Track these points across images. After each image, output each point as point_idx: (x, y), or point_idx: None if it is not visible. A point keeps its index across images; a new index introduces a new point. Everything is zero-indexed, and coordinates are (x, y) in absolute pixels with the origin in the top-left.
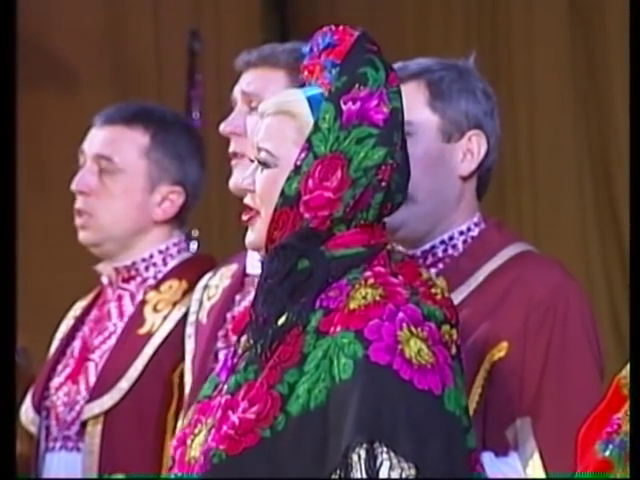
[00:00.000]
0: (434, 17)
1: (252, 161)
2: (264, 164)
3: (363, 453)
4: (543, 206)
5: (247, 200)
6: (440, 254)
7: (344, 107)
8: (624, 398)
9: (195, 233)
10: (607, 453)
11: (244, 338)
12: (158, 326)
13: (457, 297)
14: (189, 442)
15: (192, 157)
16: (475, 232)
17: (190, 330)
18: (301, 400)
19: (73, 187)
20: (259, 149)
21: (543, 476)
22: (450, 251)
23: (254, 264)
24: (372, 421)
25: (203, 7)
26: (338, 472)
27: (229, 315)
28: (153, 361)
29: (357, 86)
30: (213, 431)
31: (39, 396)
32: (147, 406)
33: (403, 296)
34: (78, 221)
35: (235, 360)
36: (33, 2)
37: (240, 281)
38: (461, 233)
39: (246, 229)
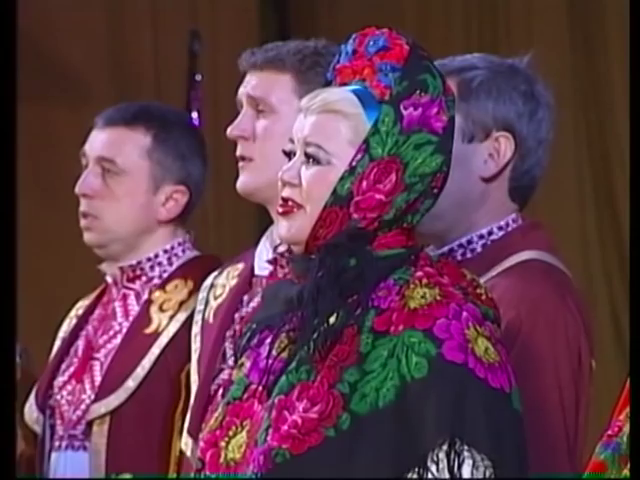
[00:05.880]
0: (434, 17)
1: (287, 154)
2: (314, 160)
3: (445, 451)
4: (543, 206)
5: (287, 193)
6: (459, 257)
7: (404, 112)
8: None
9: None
10: (602, 457)
11: (279, 339)
12: (165, 326)
13: None
14: (223, 444)
15: (194, 155)
16: (497, 236)
17: (196, 329)
18: (369, 399)
19: (77, 190)
20: (308, 144)
21: None
22: (469, 255)
23: (261, 265)
24: (453, 420)
25: (201, 7)
26: (417, 470)
27: (237, 316)
28: (160, 361)
29: (418, 92)
30: (271, 431)
31: (43, 395)
32: (153, 406)
33: (459, 296)
34: (83, 223)
35: (270, 361)
36: (31, 3)
37: (248, 281)
38: (481, 237)
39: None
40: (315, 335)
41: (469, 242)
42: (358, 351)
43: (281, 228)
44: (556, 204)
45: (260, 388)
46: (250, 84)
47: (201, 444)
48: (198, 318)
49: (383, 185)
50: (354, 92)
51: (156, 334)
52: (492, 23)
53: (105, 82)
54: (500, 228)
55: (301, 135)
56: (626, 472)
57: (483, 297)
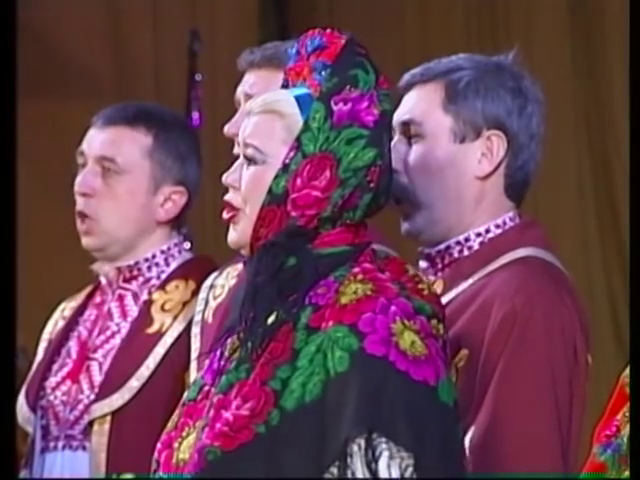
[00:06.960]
0: (434, 17)
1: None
2: (251, 160)
3: (362, 444)
4: (543, 206)
5: (228, 197)
6: (456, 254)
7: (335, 108)
8: (627, 397)
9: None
10: (602, 458)
11: (230, 340)
12: (168, 326)
13: (445, 299)
14: (176, 445)
15: (191, 156)
16: (494, 233)
17: (196, 329)
18: (296, 394)
19: (76, 189)
20: (246, 145)
21: None
22: (466, 252)
23: None
24: (371, 412)
25: (200, 7)
26: (337, 463)
27: None
28: (165, 361)
29: (348, 87)
30: (207, 430)
31: (34, 396)
32: (157, 405)
33: (393, 290)
34: (81, 226)
35: (222, 362)
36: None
37: None
38: (478, 235)
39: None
40: (252, 334)
41: (467, 240)
42: (292, 348)
43: (229, 234)
44: (556, 204)
45: (213, 389)
46: (248, 83)
47: (158, 445)
48: (198, 318)
49: (318, 181)
50: (296, 95)
51: (159, 334)
52: (492, 23)
53: (105, 82)
54: (497, 226)
55: (241, 137)
56: (627, 473)
57: (424, 292)
